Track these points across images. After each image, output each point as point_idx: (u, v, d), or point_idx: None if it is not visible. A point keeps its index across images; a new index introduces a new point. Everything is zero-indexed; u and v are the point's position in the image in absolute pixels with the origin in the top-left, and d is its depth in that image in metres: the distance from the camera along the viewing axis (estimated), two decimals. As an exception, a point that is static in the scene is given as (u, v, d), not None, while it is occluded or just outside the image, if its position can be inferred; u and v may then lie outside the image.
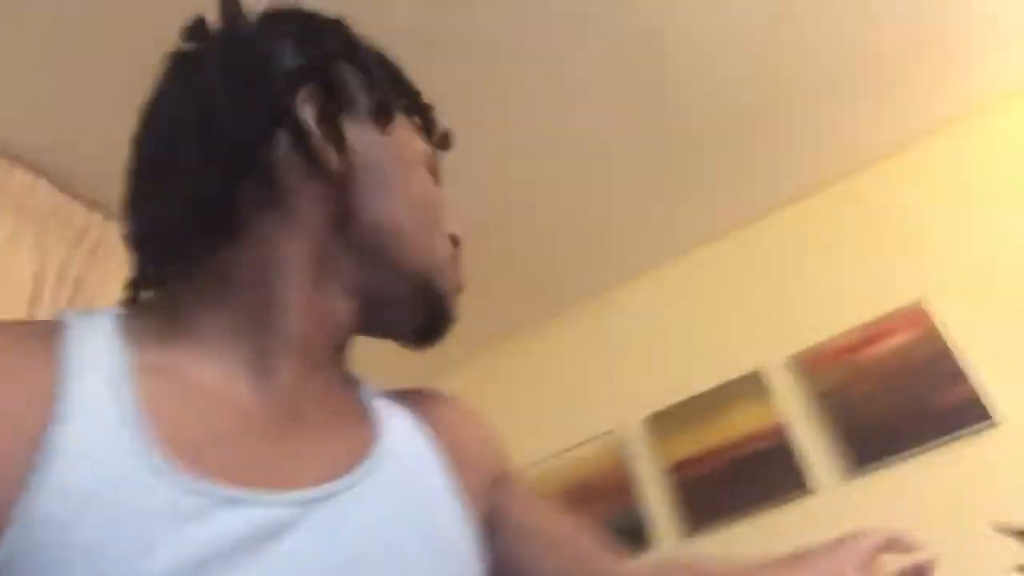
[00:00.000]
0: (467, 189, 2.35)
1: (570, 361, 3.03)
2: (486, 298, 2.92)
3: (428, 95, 0.65)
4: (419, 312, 0.59)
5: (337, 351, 0.57)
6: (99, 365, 0.43)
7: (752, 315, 2.74)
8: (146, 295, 0.55)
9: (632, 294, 3.02)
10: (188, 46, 0.56)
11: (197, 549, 0.38)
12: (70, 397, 0.40)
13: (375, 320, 0.58)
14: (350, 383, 0.61)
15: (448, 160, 0.69)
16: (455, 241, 0.64)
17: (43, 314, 1.76)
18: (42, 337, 0.44)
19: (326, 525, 0.45)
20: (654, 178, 2.58)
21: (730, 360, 2.68)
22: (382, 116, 0.57)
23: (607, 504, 2.68)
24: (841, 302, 2.58)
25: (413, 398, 0.64)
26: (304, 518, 0.44)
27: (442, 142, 0.66)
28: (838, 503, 2.34)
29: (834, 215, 2.74)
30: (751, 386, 2.60)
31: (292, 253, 0.53)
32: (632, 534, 2.59)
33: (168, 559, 0.37)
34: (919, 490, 2.24)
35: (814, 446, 2.43)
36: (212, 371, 0.49)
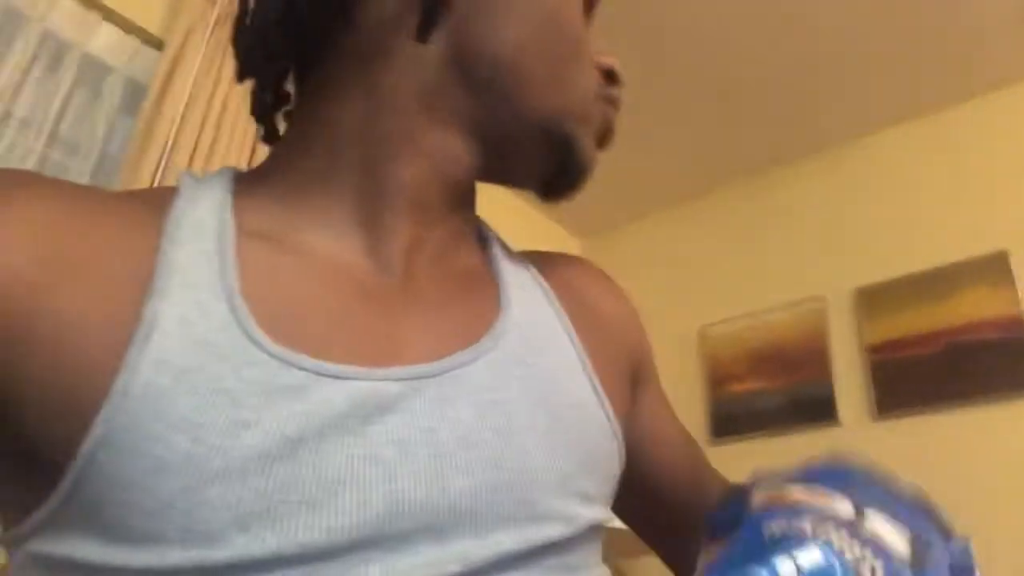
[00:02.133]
0: (677, 25, 2.14)
1: (787, 218, 2.80)
2: (703, 144, 2.74)
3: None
4: (547, 160, 0.51)
5: (458, 202, 0.51)
6: (203, 234, 0.41)
7: (1003, 188, 2.35)
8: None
9: (866, 151, 2.69)
10: None
11: (292, 424, 0.36)
12: (170, 268, 0.38)
13: (496, 167, 0.51)
14: (476, 240, 0.55)
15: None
16: (608, 75, 0.54)
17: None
18: (154, 206, 0.42)
19: (436, 402, 0.41)
20: (906, 28, 2.19)
21: (971, 237, 2.35)
22: None
23: (797, 373, 2.56)
24: None
25: (550, 264, 0.57)
26: (413, 394, 0.40)
27: None
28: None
29: None
30: (992, 268, 2.28)
31: (396, 85, 0.47)
32: (818, 408, 2.46)
33: (262, 434, 0.36)
34: None
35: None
36: (321, 236, 0.45)
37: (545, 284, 0.53)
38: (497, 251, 0.54)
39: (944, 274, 2.36)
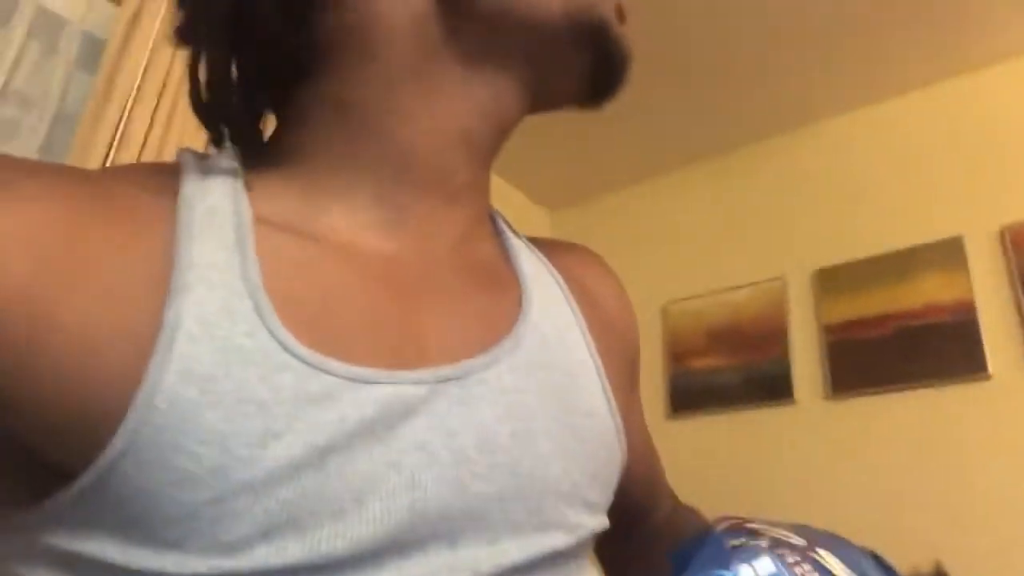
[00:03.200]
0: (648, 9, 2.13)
1: (751, 199, 2.83)
2: (672, 121, 2.74)
3: None
4: (581, 57, 0.47)
5: (479, 167, 0.48)
6: (220, 224, 0.38)
7: (959, 175, 2.40)
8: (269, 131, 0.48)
9: (828, 134, 2.72)
10: None
11: (322, 433, 0.35)
12: (189, 264, 0.36)
13: (535, 92, 0.47)
14: (490, 228, 0.53)
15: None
16: None
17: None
18: (159, 193, 0.39)
19: (459, 405, 0.40)
20: (862, 14, 2.21)
21: (929, 222, 2.40)
22: None
23: (755, 351, 2.60)
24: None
25: (561, 255, 0.55)
26: (436, 397, 0.39)
27: None
28: (1016, 392, 2.12)
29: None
30: (947, 254, 2.34)
31: (391, 33, 0.43)
32: (774, 386, 2.51)
33: (292, 444, 0.34)
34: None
35: (1002, 330, 2.19)
36: (340, 220, 0.43)
37: (561, 281, 0.52)
38: (514, 242, 0.52)
39: (901, 258, 2.41)
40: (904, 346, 2.32)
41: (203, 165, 0.42)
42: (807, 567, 0.34)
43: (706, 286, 2.78)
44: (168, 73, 1.74)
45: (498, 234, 0.53)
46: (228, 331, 0.35)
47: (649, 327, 2.84)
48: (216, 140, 0.45)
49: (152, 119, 1.68)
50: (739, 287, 2.71)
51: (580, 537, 0.43)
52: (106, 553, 0.33)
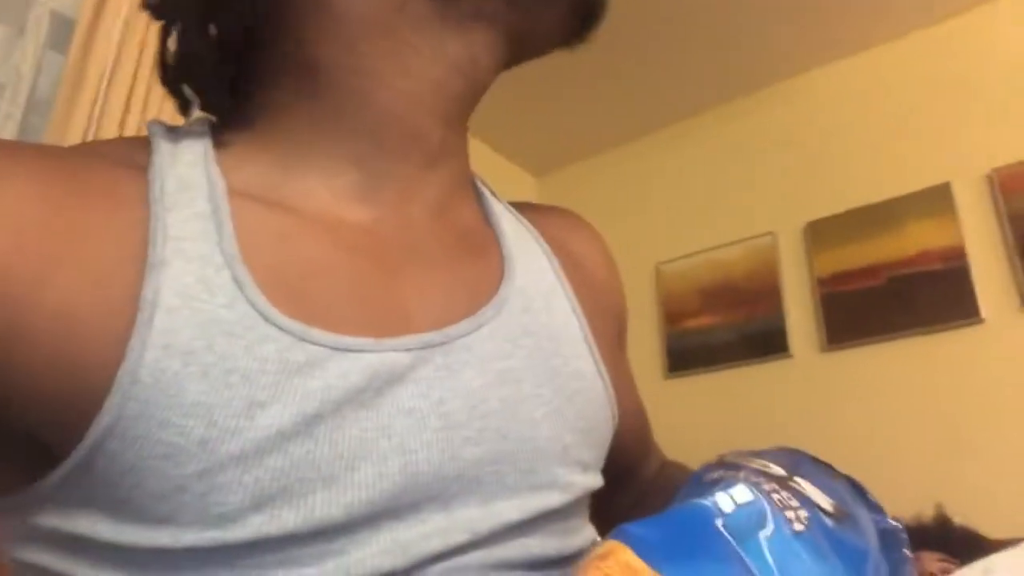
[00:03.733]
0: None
1: (738, 154, 2.82)
2: (655, 81, 2.71)
3: None
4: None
5: (455, 127, 0.46)
6: (193, 195, 0.38)
7: (946, 121, 2.39)
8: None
9: (813, 86, 2.70)
10: None
11: (309, 402, 0.35)
12: (165, 237, 0.35)
13: (515, 37, 0.45)
14: (471, 193, 0.52)
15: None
16: None
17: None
18: (129, 166, 0.38)
19: (445, 371, 0.40)
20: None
21: (917, 170, 2.40)
22: None
23: (749, 308, 2.61)
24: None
25: (544, 219, 0.54)
26: (422, 363, 0.39)
27: None
28: (1009, 335, 2.14)
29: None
30: (935, 201, 2.34)
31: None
32: (769, 341, 2.52)
33: (279, 413, 0.34)
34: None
35: (993, 274, 2.19)
36: (315, 187, 0.42)
37: (544, 244, 0.51)
38: (495, 206, 0.52)
39: (890, 207, 2.41)
40: (897, 295, 2.33)
41: (172, 136, 0.41)
42: (785, 494, 0.35)
43: (697, 245, 2.78)
44: (142, 52, 1.70)
45: (480, 200, 0.52)
46: (207, 303, 0.35)
47: (642, 289, 2.84)
48: (183, 108, 0.44)
49: (128, 101, 1.65)
50: (730, 244, 2.71)
51: (575, 495, 0.43)
52: (99, 531, 0.33)
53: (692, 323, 2.73)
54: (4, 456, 0.35)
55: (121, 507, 0.33)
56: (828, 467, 0.41)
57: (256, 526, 0.33)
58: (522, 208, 0.55)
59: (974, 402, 2.15)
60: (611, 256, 0.59)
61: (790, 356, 2.48)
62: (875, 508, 0.40)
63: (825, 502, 0.36)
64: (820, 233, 2.53)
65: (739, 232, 2.70)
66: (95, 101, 1.60)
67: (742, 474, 0.36)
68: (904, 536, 0.39)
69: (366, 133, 0.43)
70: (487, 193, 0.53)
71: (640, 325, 2.77)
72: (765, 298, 2.58)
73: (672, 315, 2.78)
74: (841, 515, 0.36)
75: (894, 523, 0.39)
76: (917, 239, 2.34)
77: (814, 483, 0.37)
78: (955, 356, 2.21)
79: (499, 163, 3.10)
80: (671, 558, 0.30)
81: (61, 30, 1.74)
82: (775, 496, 0.34)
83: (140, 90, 1.68)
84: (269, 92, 0.44)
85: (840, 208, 2.50)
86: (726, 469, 0.38)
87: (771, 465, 0.38)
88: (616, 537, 0.31)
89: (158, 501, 0.33)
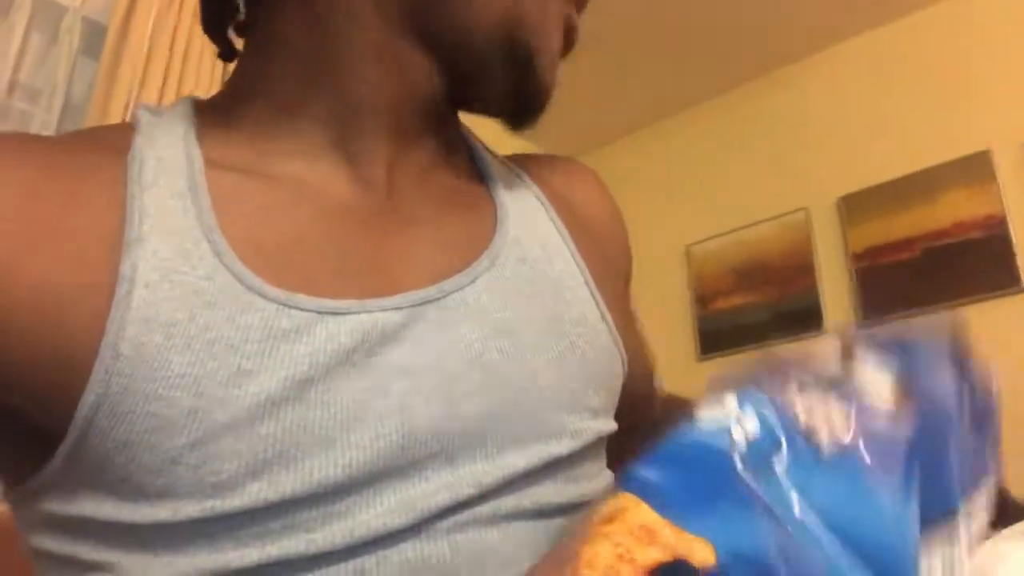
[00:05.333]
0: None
1: (768, 131, 2.78)
2: (684, 60, 2.68)
3: None
4: (504, 77, 0.46)
5: (436, 122, 0.47)
6: (170, 172, 0.38)
7: (983, 87, 2.34)
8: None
9: (844, 57, 2.65)
10: None
11: (297, 366, 0.35)
12: (141, 215, 0.36)
13: (460, 89, 0.47)
14: (462, 154, 0.51)
15: None
16: None
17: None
18: (110, 148, 0.39)
19: (440, 327, 0.39)
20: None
21: (954, 139, 2.35)
22: None
23: (782, 286, 2.58)
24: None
25: (541, 169, 0.54)
26: (415, 321, 0.39)
27: None
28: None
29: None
30: (973, 169, 2.29)
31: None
32: (804, 318, 2.50)
33: (267, 380, 0.34)
34: None
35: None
36: (296, 163, 0.42)
37: (541, 195, 0.51)
38: (489, 163, 0.51)
39: (927, 177, 2.36)
40: (934, 266, 2.29)
41: (155, 119, 0.42)
42: (822, 407, 0.31)
43: (728, 224, 2.75)
44: (172, 51, 1.73)
45: (473, 157, 0.52)
46: (186, 275, 0.35)
47: (674, 270, 2.82)
48: (223, 55, 0.48)
49: (160, 98, 1.68)
50: (762, 222, 2.68)
51: (586, 441, 0.43)
52: (101, 512, 0.34)
53: (724, 303, 2.71)
54: (8, 446, 0.37)
55: (120, 485, 0.34)
56: (914, 340, 0.36)
57: (254, 493, 0.33)
58: (519, 160, 0.55)
59: (1015, 371, 2.10)
60: (614, 203, 0.58)
61: (825, 333, 2.45)
62: (962, 362, 0.36)
63: (884, 390, 0.33)
64: (853, 207, 2.49)
65: (771, 209, 2.67)
66: (127, 105, 1.64)
67: (768, 384, 0.33)
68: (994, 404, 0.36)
69: (345, 117, 0.44)
70: (479, 147, 0.53)
71: (671, 308, 2.75)
72: (799, 275, 2.55)
73: (703, 296, 2.76)
74: (900, 402, 0.33)
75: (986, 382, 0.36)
76: (952, 209, 2.29)
77: (874, 359, 0.34)
78: (996, 325, 2.16)
79: (524, 147, 3.10)
80: (690, 506, 0.28)
81: (94, 36, 1.78)
82: (801, 415, 0.31)
83: (171, 85, 1.71)
84: (258, 62, 0.45)
85: (873, 181, 2.46)
86: (754, 380, 0.34)
87: (825, 351, 0.35)
88: (625, 486, 0.29)
89: (154, 475, 0.33)
